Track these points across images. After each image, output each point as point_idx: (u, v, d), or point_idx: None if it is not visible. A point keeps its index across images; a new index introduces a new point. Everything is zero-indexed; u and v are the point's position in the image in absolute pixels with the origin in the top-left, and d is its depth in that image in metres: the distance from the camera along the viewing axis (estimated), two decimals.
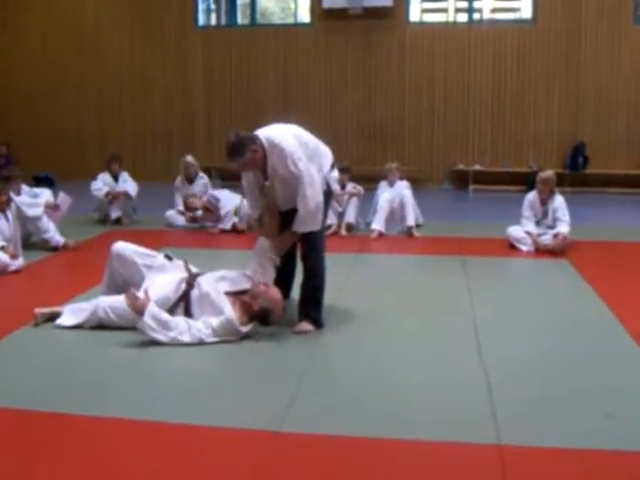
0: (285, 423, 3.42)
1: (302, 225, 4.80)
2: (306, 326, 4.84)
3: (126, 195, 9.24)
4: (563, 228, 7.46)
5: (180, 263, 5.02)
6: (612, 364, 4.27)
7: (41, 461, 3.09)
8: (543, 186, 7.62)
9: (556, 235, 7.45)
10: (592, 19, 12.75)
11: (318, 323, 4.89)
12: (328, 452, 3.19)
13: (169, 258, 5.04)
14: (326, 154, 5.05)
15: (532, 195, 7.78)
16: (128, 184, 9.35)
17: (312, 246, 4.94)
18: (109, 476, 2.98)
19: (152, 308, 4.43)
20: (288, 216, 4.94)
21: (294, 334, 4.77)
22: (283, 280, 5.22)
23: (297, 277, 5.28)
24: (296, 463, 3.10)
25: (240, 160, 4.73)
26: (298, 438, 3.30)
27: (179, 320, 4.56)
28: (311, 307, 4.92)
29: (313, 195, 4.71)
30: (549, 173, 7.80)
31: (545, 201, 7.66)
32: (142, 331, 4.42)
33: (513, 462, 3.07)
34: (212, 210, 8.78)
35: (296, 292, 5.18)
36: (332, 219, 8.29)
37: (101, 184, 9.26)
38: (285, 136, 4.81)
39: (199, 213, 8.97)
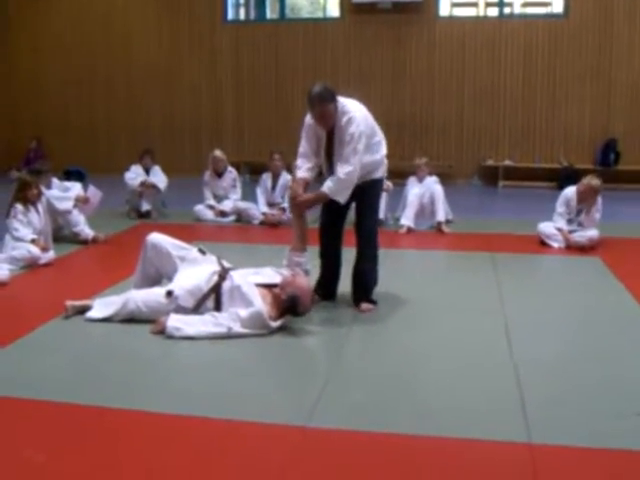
0: (314, 418, 3.42)
1: (334, 189, 4.91)
2: (369, 306, 5.23)
3: (154, 187, 9.31)
4: (591, 231, 7.40)
5: (213, 258, 5.04)
6: None
7: (71, 453, 3.12)
8: (592, 195, 7.42)
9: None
10: (624, 13, 12.51)
11: (374, 302, 5.30)
12: (356, 448, 3.18)
13: (202, 252, 5.07)
14: (382, 144, 5.34)
15: (570, 192, 7.61)
16: (158, 177, 9.43)
17: (369, 223, 5.25)
18: (138, 468, 3.00)
19: (171, 316, 4.58)
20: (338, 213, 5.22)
21: (360, 312, 5.15)
22: (328, 281, 5.42)
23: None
24: (324, 458, 3.09)
25: (326, 107, 4.88)
26: (326, 433, 3.30)
27: (203, 316, 4.63)
28: (366, 290, 5.29)
29: (354, 164, 4.87)
30: (598, 182, 7.45)
31: (582, 202, 7.53)
32: (171, 336, 4.49)
33: (544, 461, 3.04)
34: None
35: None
36: None
37: (134, 174, 9.35)
38: (359, 113, 5.00)
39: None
